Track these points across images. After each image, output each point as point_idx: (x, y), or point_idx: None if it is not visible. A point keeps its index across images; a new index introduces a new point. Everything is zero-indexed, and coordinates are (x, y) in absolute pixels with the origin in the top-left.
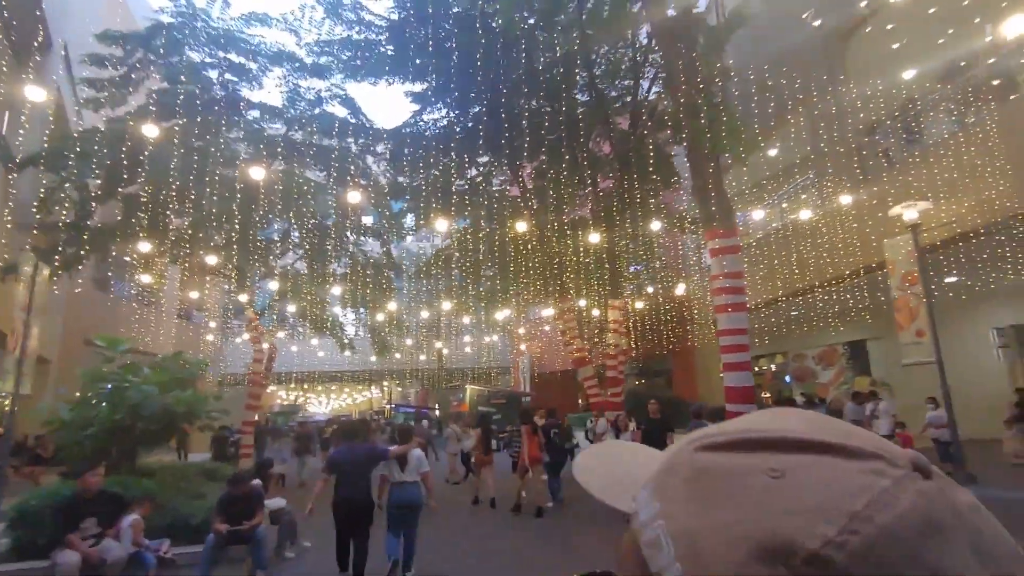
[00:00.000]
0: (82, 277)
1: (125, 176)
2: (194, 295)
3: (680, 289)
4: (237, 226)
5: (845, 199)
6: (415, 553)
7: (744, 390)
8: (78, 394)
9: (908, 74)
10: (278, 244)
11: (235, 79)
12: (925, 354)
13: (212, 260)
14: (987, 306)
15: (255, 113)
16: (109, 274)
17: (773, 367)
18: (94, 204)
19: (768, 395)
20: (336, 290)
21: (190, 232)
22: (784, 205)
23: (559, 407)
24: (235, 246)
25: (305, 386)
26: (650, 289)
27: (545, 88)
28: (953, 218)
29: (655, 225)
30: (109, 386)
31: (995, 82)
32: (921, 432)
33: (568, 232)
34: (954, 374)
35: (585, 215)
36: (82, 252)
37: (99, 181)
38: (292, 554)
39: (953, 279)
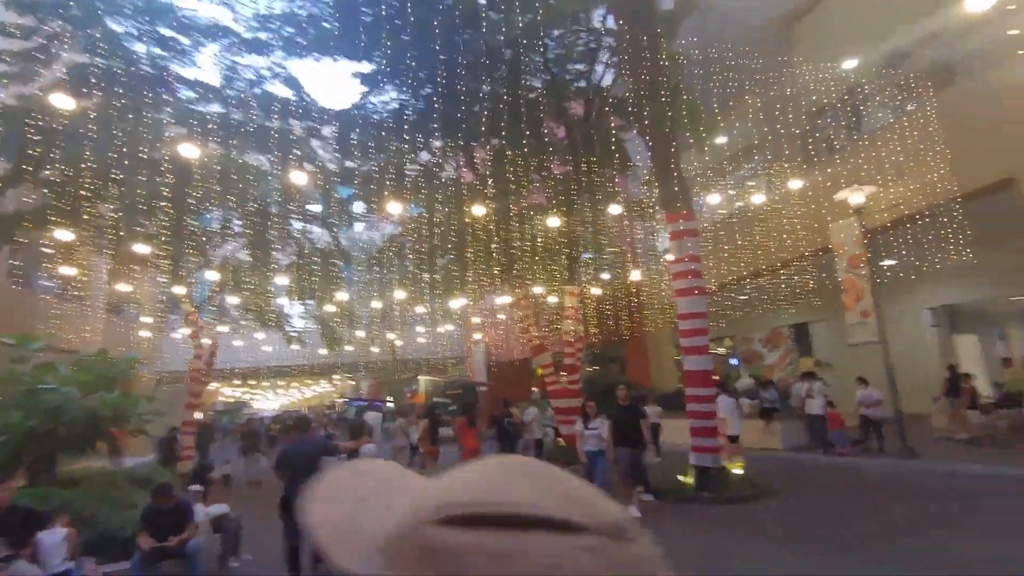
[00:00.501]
0: None
1: (35, 156)
2: (125, 289)
3: (635, 275)
4: (170, 213)
5: (795, 184)
6: None
7: (703, 373)
8: None
9: (852, 61)
10: (217, 233)
11: (164, 54)
12: (870, 334)
13: (143, 250)
14: (923, 287)
15: (189, 93)
16: (25, 266)
17: (722, 350)
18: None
19: (716, 378)
20: (281, 281)
21: (117, 220)
22: (734, 192)
23: (515, 396)
24: (168, 235)
25: (251, 382)
26: (606, 276)
27: (499, 71)
28: (900, 201)
29: (612, 210)
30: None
31: (936, 70)
32: (854, 411)
33: (524, 218)
34: (893, 353)
35: (541, 201)
36: None
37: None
38: (237, 563)
39: (893, 261)
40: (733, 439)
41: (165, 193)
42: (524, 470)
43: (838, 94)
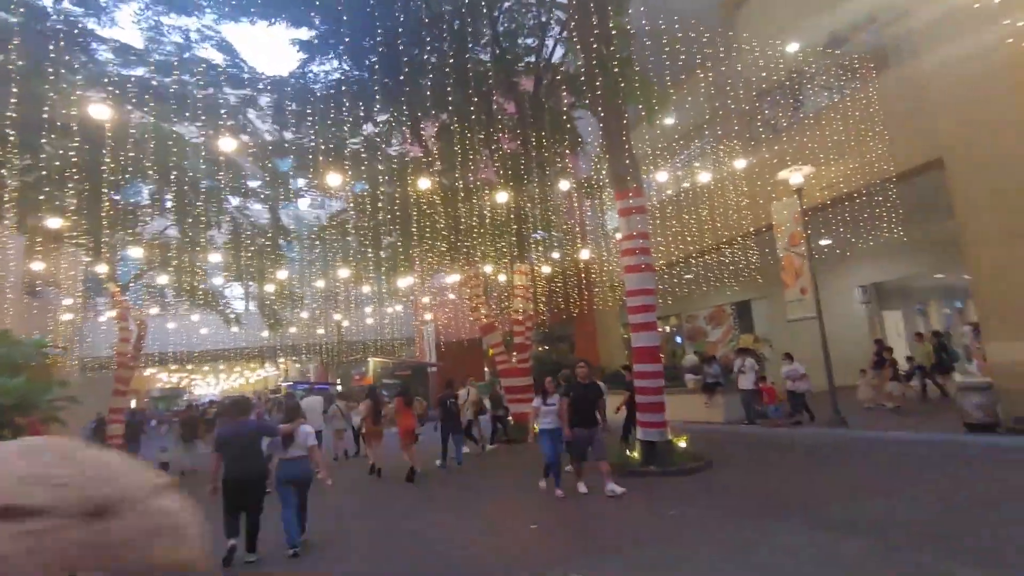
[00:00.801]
0: None
1: None
2: (40, 267)
3: (584, 254)
4: (85, 184)
5: (738, 163)
6: (307, 521)
7: (651, 350)
8: None
9: (795, 44)
10: (145, 208)
11: (77, 10)
12: (807, 310)
13: (56, 224)
14: (855, 265)
15: (107, 54)
16: None
17: (668, 328)
18: None
19: (662, 355)
20: (216, 259)
21: (25, 189)
22: (680, 172)
23: (466, 376)
24: (85, 208)
25: (189, 367)
26: (555, 255)
27: (446, 41)
28: (839, 179)
29: (561, 187)
30: None
31: (872, 53)
32: (783, 386)
33: (473, 195)
34: (827, 329)
35: (490, 177)
36: None
37: None
38: None
39: (829, 240)
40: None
41: (75, 160)
42: (21, 453)
43: (781, 76)
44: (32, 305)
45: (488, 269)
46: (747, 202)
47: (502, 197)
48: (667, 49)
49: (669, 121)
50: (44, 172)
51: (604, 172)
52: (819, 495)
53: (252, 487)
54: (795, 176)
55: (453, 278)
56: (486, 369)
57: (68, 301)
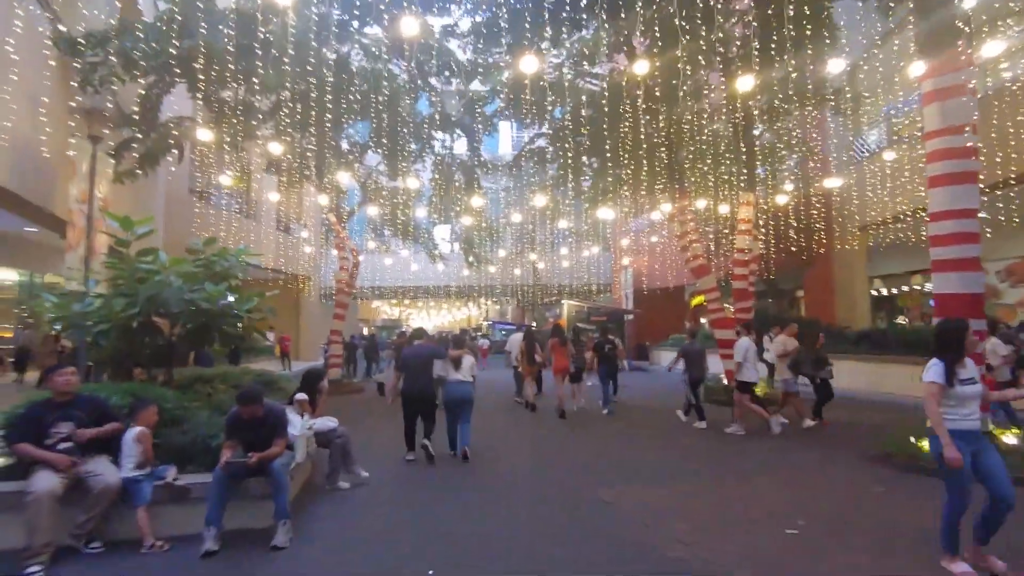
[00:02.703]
0: (175, 178)
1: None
2: (275, 198)
3: (832, 182)
4: (315, 119)
5: None
6: (469, 436)
7: (969, 299)
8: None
9: None
10: (360, 145)
11: None
12: None
13: (277, 150)
14: None
15: None
16: (204, 183)
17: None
18: (155, 89)
19: (904, 318)
20: (419, 187)
21: (265, 123)
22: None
23: (664, 327)
24: (315, 147)
25: (406, 302)
26: (788, 186)
27: None
28: None
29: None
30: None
31: None
32: None
33: (691, 107)
34: None
35: (714, 86)
36: (149, 148)
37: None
38: (347, 484)
39: None
40: (744, 387)
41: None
42: None
43: None
44: (283, 240)
45: (703, 203)
46: None
47: (739, 90)
48: None
49: None
50: (285, 111)
51: (863, 74)
52: None
53: (425, 400)
54: None
55: (656, 217)
56: (687, 323)
57: (305, 234)
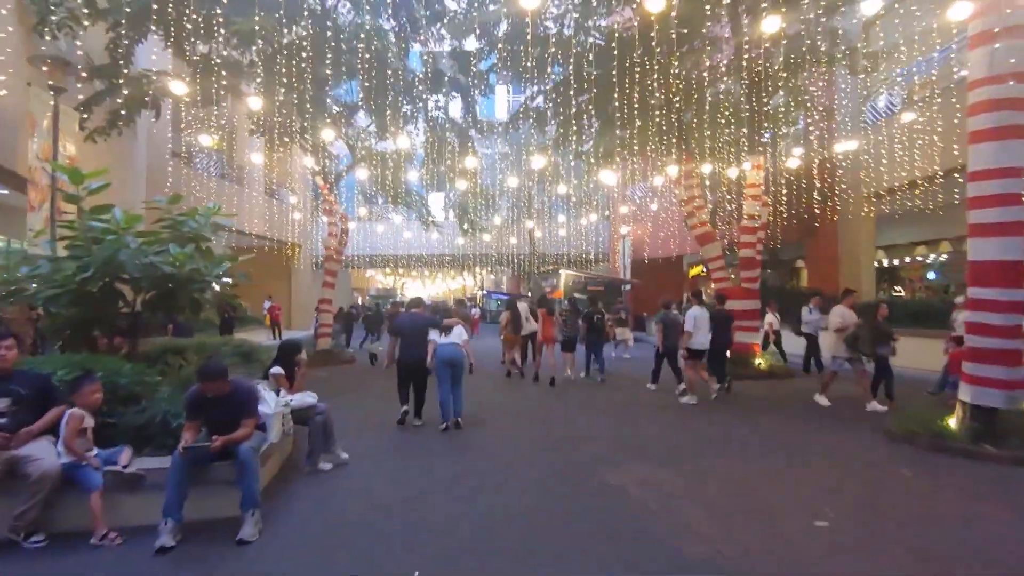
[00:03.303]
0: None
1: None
2: (262, 160)
3: (843, 146)
4: (304, 78)
5: None
6: (462, 404)
7: (1007, 266)
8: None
9: None
10: (348, 106)
11: None
12: None
13: (260, 107)
14: None
15: None
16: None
17: (933, 257)
18: (124, 37)
19: (902, 290)
20: (410, 148)
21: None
22: None
23: (663, 297)
24: (307, 106)
25: (400, 271)
26: (797, 151)
27: None
28: None
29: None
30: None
31: None
32: None
33: (700, 61)
34: None
35: (725, 37)
36: (123, 103)
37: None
38: (328, 465)
39: None
40: (694, 354)
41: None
42: None
43: None
44: (272, 206)
45: (708, 168)
46: None
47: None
48: None
49: None
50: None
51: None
52: None
53: (418, 367)
54: None
55: (657, 183)
56: (685, 294)
57: (294, 200)
